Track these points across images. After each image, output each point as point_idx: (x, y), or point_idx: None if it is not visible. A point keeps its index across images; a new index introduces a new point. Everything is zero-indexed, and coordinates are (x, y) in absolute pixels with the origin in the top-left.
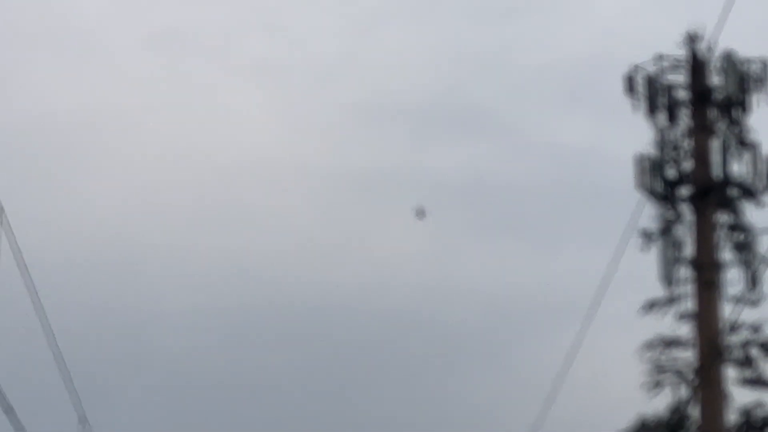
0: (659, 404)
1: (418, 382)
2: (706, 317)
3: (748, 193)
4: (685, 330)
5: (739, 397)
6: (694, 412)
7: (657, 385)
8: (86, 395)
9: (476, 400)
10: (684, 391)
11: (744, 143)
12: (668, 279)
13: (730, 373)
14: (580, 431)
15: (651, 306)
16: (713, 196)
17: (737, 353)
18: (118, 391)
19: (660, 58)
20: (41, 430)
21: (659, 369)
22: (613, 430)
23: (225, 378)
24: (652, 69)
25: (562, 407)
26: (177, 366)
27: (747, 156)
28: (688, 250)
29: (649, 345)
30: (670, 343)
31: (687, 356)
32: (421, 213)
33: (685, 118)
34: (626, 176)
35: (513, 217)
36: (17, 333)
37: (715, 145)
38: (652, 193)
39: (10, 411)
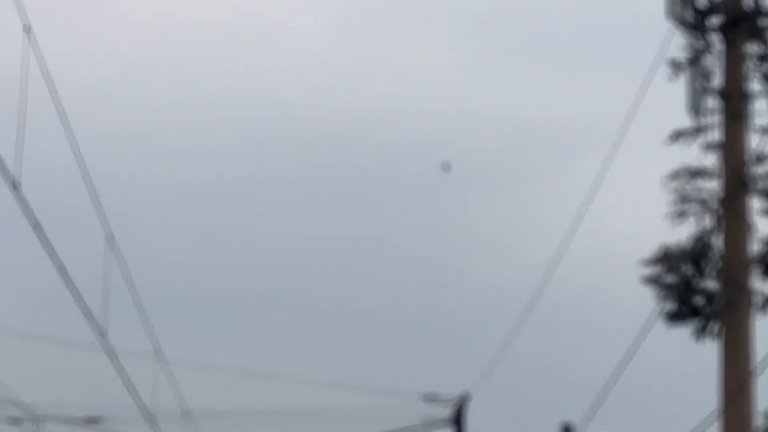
0: (683, 234)
1: (439, 211)
2: (732, 147)
3: None
4: (711, 160)
5: (763, 227)
6: (718, 241)
7: (681, 214)
8: (113, 214)
9: (499, 228)
10: (708, 221)
11: None
12: (696, 109)
13: (755, 204)
14: (603, 261)
15: (677, 136)
16: (744, 26)
17: (762, 184)
18: (144, 212)
19: None
20: (68, 247)
21: (684, 199)
22: (637, 259)
23: (242, 201)
24: None
25: (585, 236)
26: (200, 192)
27: None
28: (717, 80)
29: (675, 175)
30: (696, 173)
31: (712, 186)
32: (447, 167)
33: None
34: (656, 4)
35: (539, 44)
36: (46, 151)
37: None
38: (682, 22)
39: (37, 227)
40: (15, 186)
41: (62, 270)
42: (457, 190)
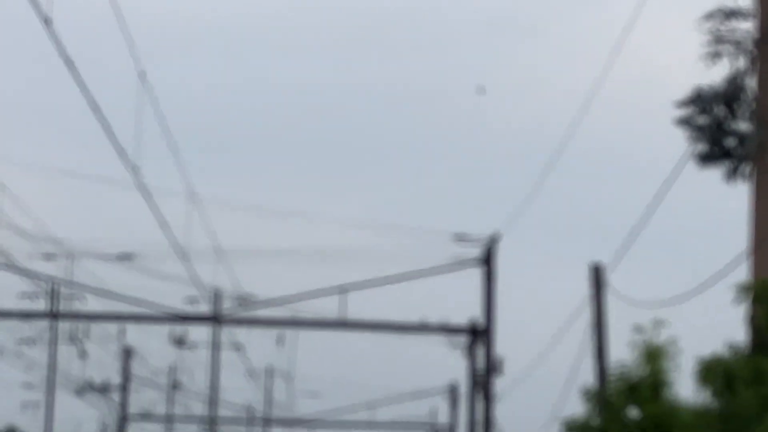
0: (716, 75)
1: (473, 52)
2: None
3: None
4: (746, 1)
5: None
6: (752, 83)
7: (715, 56)
8: (146, 53)
9: (533, 70)
10: (742, 63)
11: None
12: None
13: None
14: (636, 103)
15: None
16: None
17: None
18: (178, 51)
19: None
20: (101, 84)
21: (718, 40)
22: (670, 100)
23: (275, 42)
24: None
25: (618, 78)
26: (233, 32)
27: None
28: None
29: (709, 16)
30: (731, 13)
31: (747, 27)
32: (481, 90)
33: None
34: None
35: None
36: None
37: None
38: None
39: (71, 65)
40: (47, 22)
41: (95, 107)
42: (491, 32)
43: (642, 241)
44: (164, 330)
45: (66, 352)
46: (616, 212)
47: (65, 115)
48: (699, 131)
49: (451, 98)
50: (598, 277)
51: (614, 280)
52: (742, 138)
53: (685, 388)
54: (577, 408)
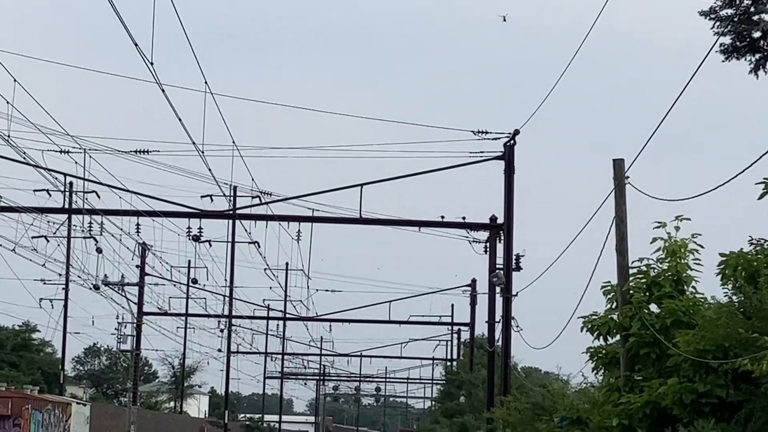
0: None
1: None
2: None
3: None
4: None
5: None
6: None
7: None
8: None
9: None
10: None
11: None
12: None
13: None
14: None
15: None
16: None
17: None
18: None
19: None
20: None
21: None
22: None
23: None
24: None
25: None
26: None
27: None
28: None
29: None
30: None
31: None
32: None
33: None
34: None
35: None
36: None
37: None
38: None
39: None
40: None
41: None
42: None
43: (664, 137)
44: (182, 226)
45: (83, 249)
46: (636, 109)
47: (81, 9)
48: (725, 23)
49: None
50: (620, 173)
51: (636, 181)
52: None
53: (707, 285)
54: (597, 306)
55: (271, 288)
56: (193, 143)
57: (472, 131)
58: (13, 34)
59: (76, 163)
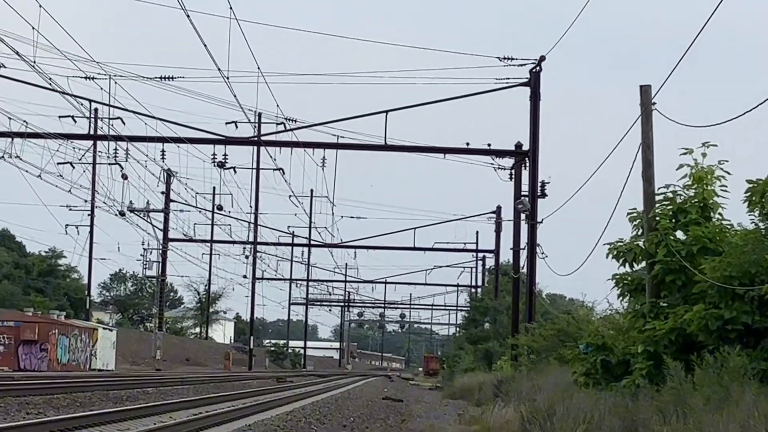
0: None
1: None
2: None
3: None
4: None
5: None
6: None
7: None
8: None
9: None
10: None
11: None
12: None
13: None
14: None
15: None
16: None
17: None
18: None
19: None
20: None
21: None
22: None
23: None
24: None
25: None
26: None
27: None
28: None
29: None
30: None
31: None
32: None
33: None
34: None
35: None
36: None
37: None
38: None
39: None
40: None
41: None
42: None
43: (692, 63)
44: (207, 153)
45: (108, 175)
46: (661, 33)
47: None
48: None
49: None
50: (646, 99)
51: (663, 108)
52: None
53: (734, 212)
54: (623, 233)
55: (296, 215)
56: (219, 69)
57: (498, 57)
58: None
59: (101, 89)
